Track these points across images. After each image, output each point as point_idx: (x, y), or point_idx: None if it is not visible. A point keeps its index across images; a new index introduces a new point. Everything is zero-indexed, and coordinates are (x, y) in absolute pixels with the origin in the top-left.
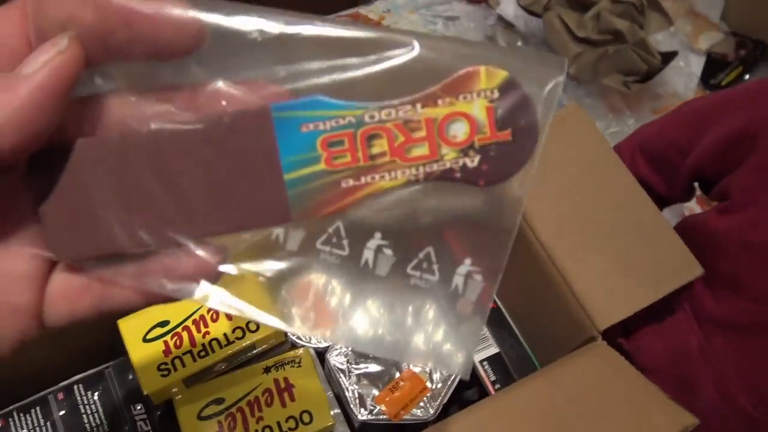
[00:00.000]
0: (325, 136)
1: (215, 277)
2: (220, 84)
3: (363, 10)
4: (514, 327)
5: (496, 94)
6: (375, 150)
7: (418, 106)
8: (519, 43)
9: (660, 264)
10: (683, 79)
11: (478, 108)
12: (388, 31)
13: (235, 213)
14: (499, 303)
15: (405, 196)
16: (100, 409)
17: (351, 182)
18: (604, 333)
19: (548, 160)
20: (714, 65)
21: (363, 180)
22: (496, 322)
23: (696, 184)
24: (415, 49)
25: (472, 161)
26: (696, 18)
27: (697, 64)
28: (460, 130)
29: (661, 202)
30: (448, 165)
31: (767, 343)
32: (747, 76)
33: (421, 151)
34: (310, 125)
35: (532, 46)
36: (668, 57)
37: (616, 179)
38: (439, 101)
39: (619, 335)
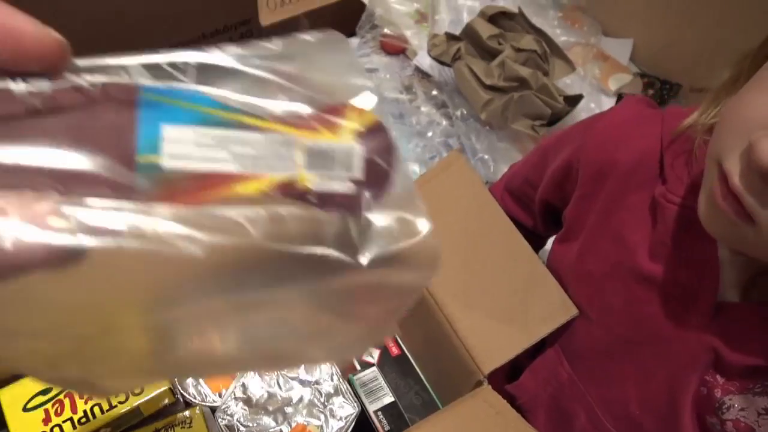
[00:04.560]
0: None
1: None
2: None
3: None
4: (420, 374)
5: (363, 134)
6: None
7: (287, 124)
8: (434, 92)
9: (537, 308)
10: None
11: (342, 142)
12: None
13: (79, 178)
14: (405, 350)
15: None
16: None
17: (204, 180)
18: (499, 377)
19: (433, 207)
20: None
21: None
22: (400, 370)
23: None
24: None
25: (329, 188)
26: (605, 61)
27: (608, 105)
28: None
29: (536, 237)
30: (304, 187)
31: (616, 367)
32: None
33: None
34: (177, 113)
35: (446, 94)
36: (573, 100)
37: (496, 226)
38: (306, 125)
39: (507, 380)
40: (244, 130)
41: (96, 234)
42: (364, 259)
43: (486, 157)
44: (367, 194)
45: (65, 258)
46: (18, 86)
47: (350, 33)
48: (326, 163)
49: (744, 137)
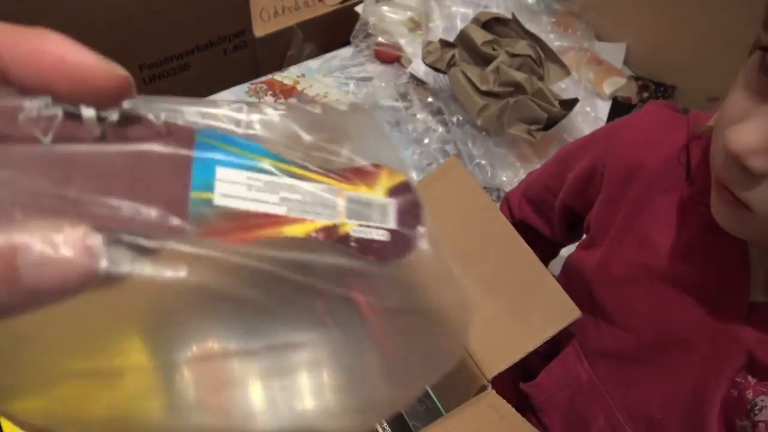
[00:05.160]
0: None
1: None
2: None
3: (278, 76)
4: None
5: (393, 191)
6: None
7: (330, 176)
8: (430, 99)
9: (540, 311)
10: (590, 124)
11: (378, 196)
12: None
13: (128, 210)
14: None
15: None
16: None
17: (253, 220)
18: (505, 378)
19: (431, 213)
20: (619, 109)
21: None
22: None
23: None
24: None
25: (367, 235)
26: (599, 65)
27: (603, 109)
28: None
29: (552, 245)
30: (345, 233)
31: (640, 371)
32: None
33: None
34: (230, 158)
35: (442, 100)
36: (569, 104)
37: (495, 230)
38: (346, 179)
39: (521, 379)
40: (291, 178)
41: (139, 263)
42: (391, 304)
43: (483, 162)
44: (400, 244)
45: (110, 281)
46: (87, 112)
47: (344, 42)
48: (365, 213)
49: (723, 134)
